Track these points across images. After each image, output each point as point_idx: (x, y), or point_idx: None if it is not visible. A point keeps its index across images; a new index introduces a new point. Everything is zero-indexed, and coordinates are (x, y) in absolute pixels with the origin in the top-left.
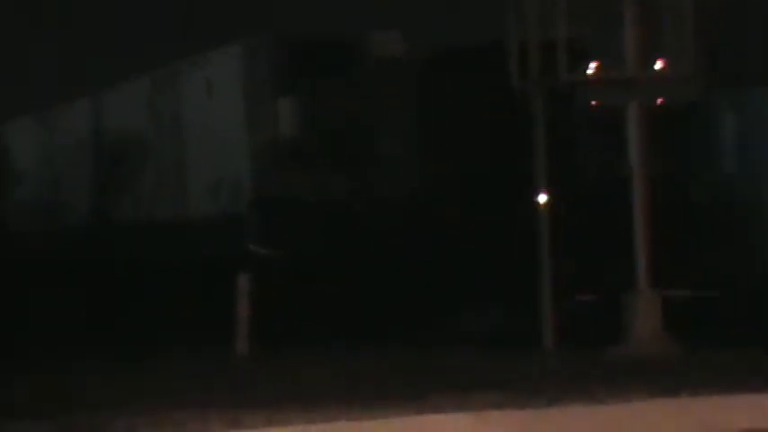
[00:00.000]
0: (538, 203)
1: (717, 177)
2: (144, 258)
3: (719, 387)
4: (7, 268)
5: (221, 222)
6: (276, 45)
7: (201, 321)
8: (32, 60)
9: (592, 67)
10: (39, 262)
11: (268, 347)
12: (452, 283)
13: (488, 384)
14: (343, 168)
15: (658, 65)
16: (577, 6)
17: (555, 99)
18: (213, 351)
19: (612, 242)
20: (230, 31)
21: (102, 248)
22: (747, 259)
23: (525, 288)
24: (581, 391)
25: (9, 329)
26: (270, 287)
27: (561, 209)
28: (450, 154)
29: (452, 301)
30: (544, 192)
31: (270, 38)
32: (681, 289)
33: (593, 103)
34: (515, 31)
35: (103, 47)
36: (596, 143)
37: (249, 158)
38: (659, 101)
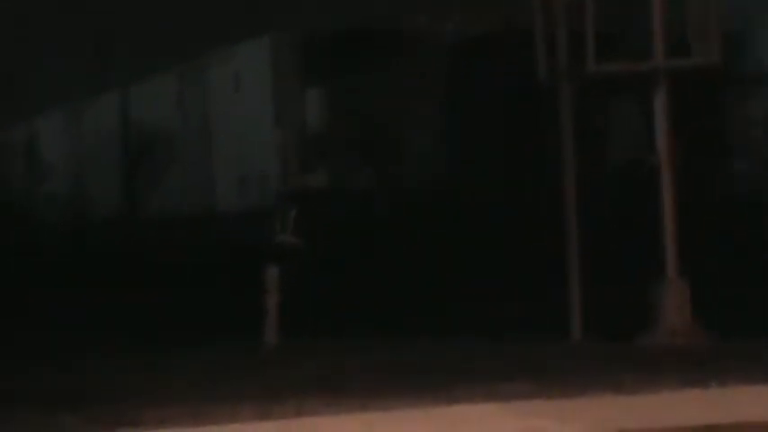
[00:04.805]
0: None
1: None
2: (170, 250)
3: (749, 378)
4: (34, 259)
5: (248, 214)
6: (303, 37)
7: (229, 313)
8: (60, 53)
9: (619, 58)
10: (66, 254)
11: (296, 338)
12: (479, 272)
13: (516, 374)
14: (370, 160)
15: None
16: None
17: (582, 90)
18: (242, 342)
19: (640, 231)
20: (258, 24)
21: (130, 241)
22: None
23: (552, 277)
24: (610, 381)
25: (35, 320)
26: (297, 278)
27: (589, 198)
28: (477, 144)
29: (479, 290)
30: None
31: (297, 30)
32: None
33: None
34: (542, 20)
35: (130, 40)
36: (624, 134)
37: (276, 151)
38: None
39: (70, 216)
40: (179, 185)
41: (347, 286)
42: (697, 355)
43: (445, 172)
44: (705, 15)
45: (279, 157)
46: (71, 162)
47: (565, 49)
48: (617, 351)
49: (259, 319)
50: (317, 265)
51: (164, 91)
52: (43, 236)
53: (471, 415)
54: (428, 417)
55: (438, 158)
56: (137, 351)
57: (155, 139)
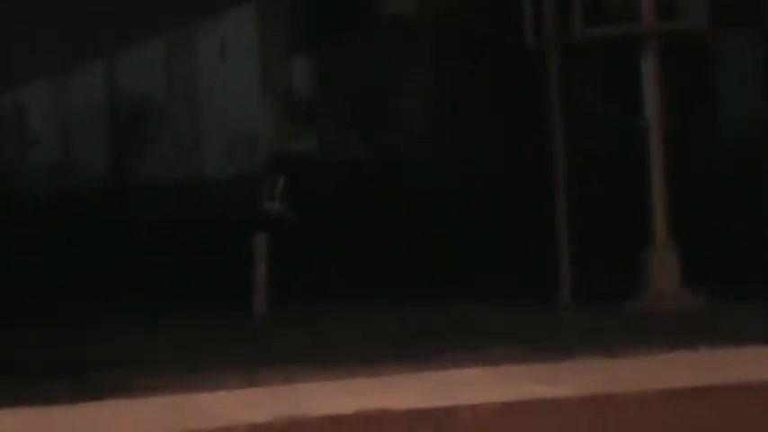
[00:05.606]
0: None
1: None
2: (158, 219)
3: (737, 339)
4: (22, 229)
5: (236, 182)
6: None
7: (218, 282)
8: (44, 21)
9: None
10: (54, 223)
11: (285, 306)
12: (467, 239)
13: (504, 339)
14: (358, 128)
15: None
16: None
17: (569, 55)
18: (230, 311)
19: (628, 197)
20: None
21: (117, 210)
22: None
23: (540, 243)
24: (598, 345)
25: (24, 289)
26: (286, 246)
27: (577, 164)
28: (464, 112)
29: (466, 256)
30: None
31: None
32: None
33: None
34: None
35: (115, 7)
36: (612, 99)
37: (263, 119)
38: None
39: (57, 185)
40: (165, 153)
41: (335, 255)
42: (685, 318)
43: (433, 141)
44: None
45: (266, 125)
46: (57, 131)
47: (551, 13)
48: (605, 316)
49: (248, 288)
50: (305, 235)
51: (150, 60)
52: (30, 204)
53: (460, 380)
54: (417, 382)
55: (426, 128)
56: (123, 320)
57: (142, 108)
